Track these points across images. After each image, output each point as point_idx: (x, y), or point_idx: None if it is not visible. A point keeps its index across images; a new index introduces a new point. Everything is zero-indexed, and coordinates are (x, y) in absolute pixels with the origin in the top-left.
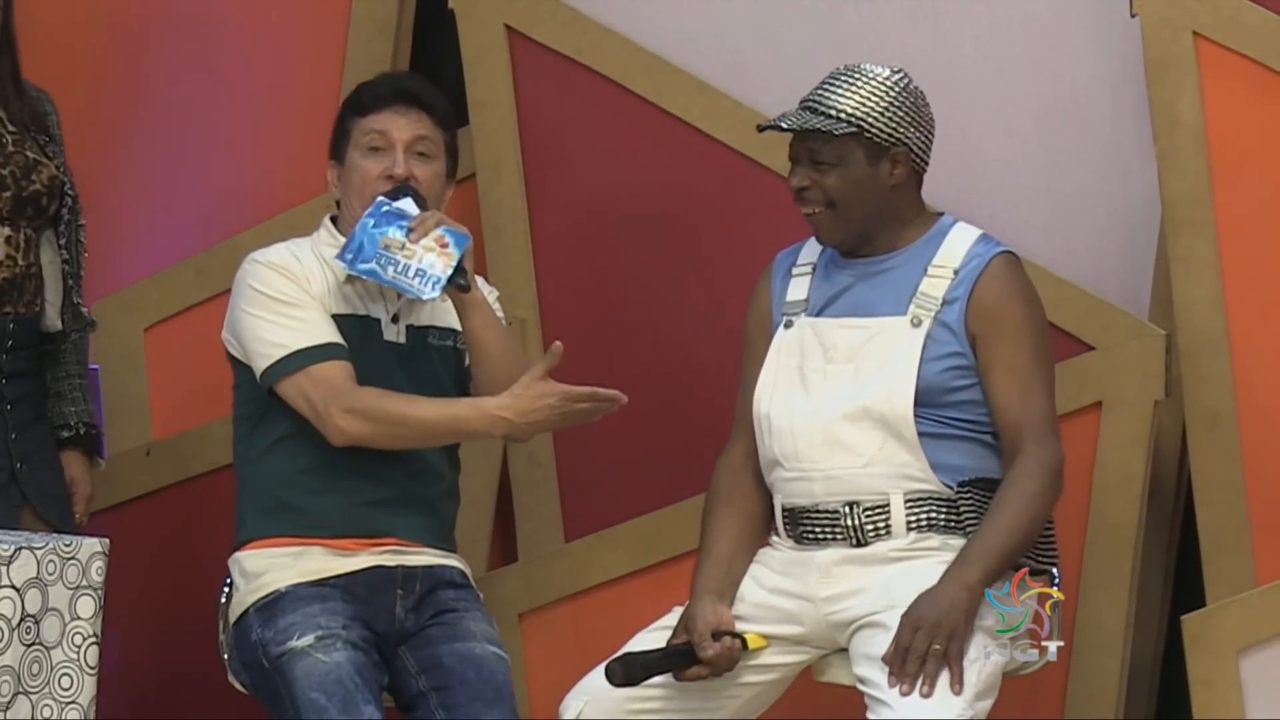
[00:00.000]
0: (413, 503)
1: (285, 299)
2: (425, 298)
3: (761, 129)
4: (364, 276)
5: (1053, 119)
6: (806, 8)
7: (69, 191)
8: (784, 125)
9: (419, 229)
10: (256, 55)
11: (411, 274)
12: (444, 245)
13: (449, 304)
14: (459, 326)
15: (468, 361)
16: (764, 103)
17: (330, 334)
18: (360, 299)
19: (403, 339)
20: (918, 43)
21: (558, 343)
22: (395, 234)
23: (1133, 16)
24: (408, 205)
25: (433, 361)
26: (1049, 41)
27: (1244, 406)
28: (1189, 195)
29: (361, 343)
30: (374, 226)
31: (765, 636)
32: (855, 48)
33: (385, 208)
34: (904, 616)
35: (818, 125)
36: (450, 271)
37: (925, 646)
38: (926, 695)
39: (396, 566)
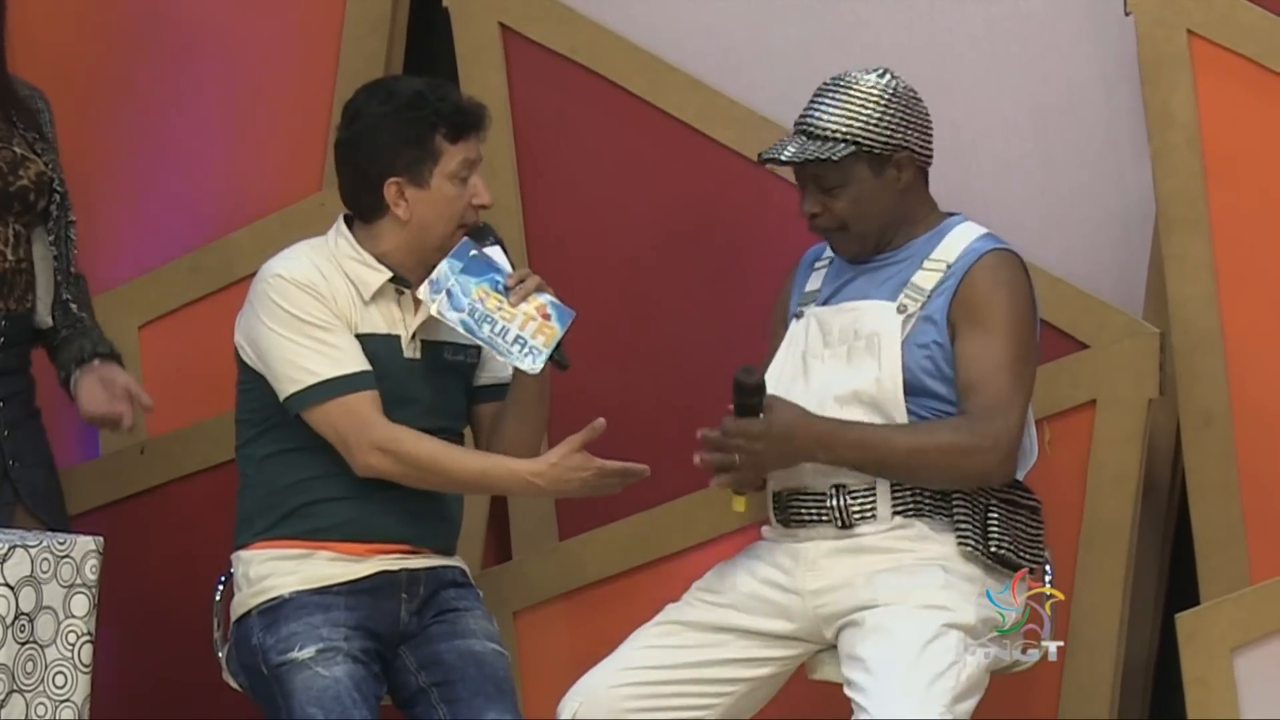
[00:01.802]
0: (426, 510)
1: (314, 321)
2: (525, 369)
3: (762, 160)
4: (454, 325)
5: (1047, 117)
6: (800, 6)
7: (58, 188)
8: (783, 158)
9: (518, 291)
10: (250, 53)
11: (510, 339)
12: (545, 316)
13: None
14: (470, 341)
15: (477, 381)
16: (758, 101)
17: (359, 361)
18: (384, 318)
19: (418, 354)
20: (912, 41)
21: (600, 419)
22: (489, 288)
23: (1127, 15)
24: (497, 255)
25: (446, 377)
26: (1044, 40)
27: (1238, 405)
28: (1183, 194)
29: (385, 361)
30: (463, 272)
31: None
32: (849, 46)
33: (472, 252)
34: (763, 415)
35: (816, 153)
36: (554, 347)
37: (733, 450)
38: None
39: (400, 570)
